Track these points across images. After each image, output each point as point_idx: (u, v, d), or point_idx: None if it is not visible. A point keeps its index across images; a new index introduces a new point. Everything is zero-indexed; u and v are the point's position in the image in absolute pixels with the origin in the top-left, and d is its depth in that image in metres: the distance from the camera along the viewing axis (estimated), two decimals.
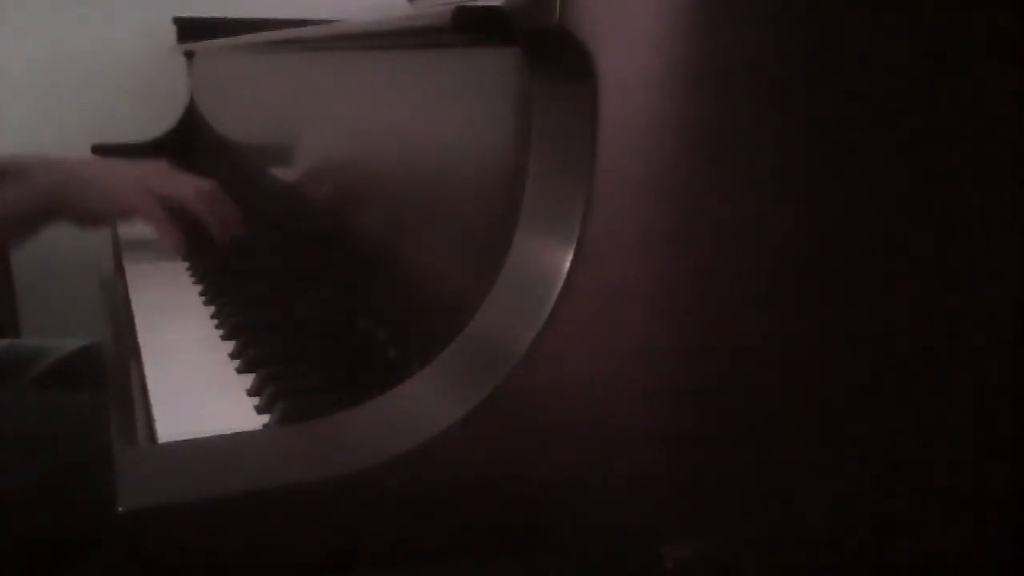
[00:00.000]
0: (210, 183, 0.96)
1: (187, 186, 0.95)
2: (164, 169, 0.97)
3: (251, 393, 0.56)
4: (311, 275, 0.83)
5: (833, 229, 0.42)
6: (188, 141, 1.47)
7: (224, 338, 0.67)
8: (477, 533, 0.39)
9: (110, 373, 0.69)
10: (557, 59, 0.39)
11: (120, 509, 0.35)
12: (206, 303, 0.76)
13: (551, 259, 0.39)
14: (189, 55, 1.46)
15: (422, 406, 0.40)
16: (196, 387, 0.58)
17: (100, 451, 0.57)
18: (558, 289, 0.38)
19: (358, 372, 0.60)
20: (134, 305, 0.76)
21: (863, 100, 0.42)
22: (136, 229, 1.05)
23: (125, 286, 0.84)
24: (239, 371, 0.60)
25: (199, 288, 0.81)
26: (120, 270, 0.92)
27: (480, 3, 0.41)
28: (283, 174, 0.93)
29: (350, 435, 0.40)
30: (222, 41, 1.16)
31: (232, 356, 0.62)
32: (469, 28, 0.42)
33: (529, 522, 0.40)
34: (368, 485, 0.37)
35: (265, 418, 0.52)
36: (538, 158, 0.42)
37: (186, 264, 0.91)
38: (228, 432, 0.42)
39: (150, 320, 0.72)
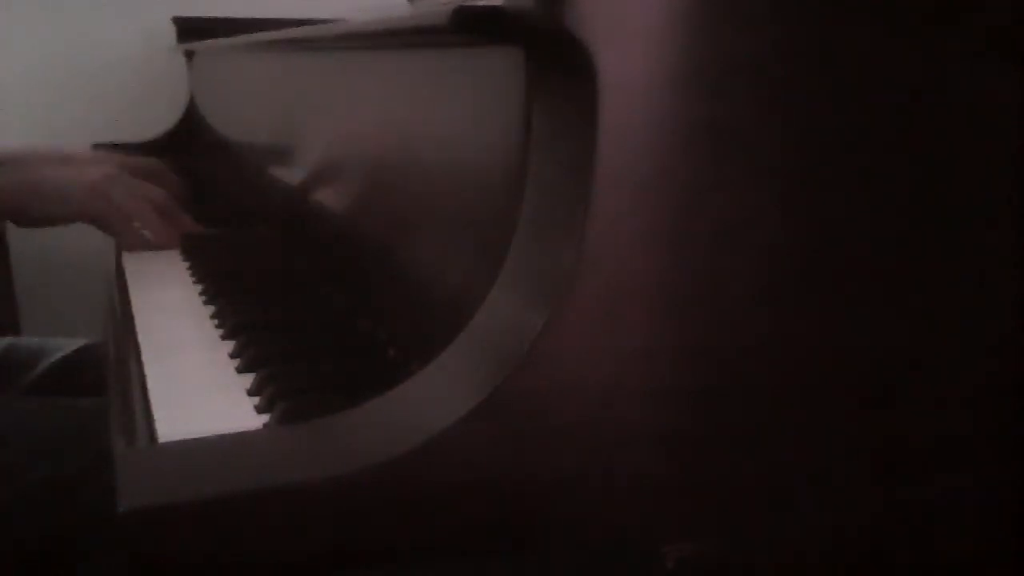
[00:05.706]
0: (163, 193, 0.97)
1: (144, 194, 0.95)
2: (117, 173, 0.96)
3: (251, 393, 0.56)
4: (311, 275, 0.83)
5: (833, 229, 0.42)
6: (188, 141, 1.47)
7: (224, 338, 0.66)
8: (477, 533, 0.39)
9: (110, 373, 0.69)
10: (557, 59, 0.39)
11: (120, 509, 0.35)
12: (206, 303, 0.76)
13: (551, 259, 0.39)
14: (189, 55, 1.46)
15: (422, 406, 0.40)
16: (196, 387, 0.58)
17: (100, 456, 0.57)
18: (558, 289, 0.38)
19: (358, 372, 0.60)
20: (134, 305, 0.76)
21: (864, 100, 0.42)
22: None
23: (125, 285, 0.84)
24: (239, 371, 0.60)
25: (199, 288, 0.81)
26: (120, 270, 0.92)
27: (480, 3, 0.41)
28: (283, 174, 0.93)
29: (350, 435, 0.40)
30: (222, 41, 1.16)
31: (232, 356, 0.62)
32: (469, 28, 0.42)
33: (529, 522, 0.40)
34: (368, 485, 0.37)
35: (265, 418, 0.52)
36: (538, 158, 0.42)
37: (186, 264, 0.91)
38: (228, 432, 0.42)
39: (150, 320, 0.72)
